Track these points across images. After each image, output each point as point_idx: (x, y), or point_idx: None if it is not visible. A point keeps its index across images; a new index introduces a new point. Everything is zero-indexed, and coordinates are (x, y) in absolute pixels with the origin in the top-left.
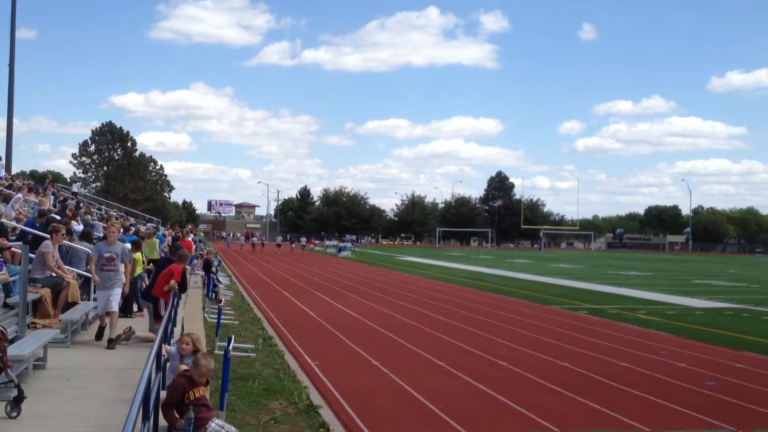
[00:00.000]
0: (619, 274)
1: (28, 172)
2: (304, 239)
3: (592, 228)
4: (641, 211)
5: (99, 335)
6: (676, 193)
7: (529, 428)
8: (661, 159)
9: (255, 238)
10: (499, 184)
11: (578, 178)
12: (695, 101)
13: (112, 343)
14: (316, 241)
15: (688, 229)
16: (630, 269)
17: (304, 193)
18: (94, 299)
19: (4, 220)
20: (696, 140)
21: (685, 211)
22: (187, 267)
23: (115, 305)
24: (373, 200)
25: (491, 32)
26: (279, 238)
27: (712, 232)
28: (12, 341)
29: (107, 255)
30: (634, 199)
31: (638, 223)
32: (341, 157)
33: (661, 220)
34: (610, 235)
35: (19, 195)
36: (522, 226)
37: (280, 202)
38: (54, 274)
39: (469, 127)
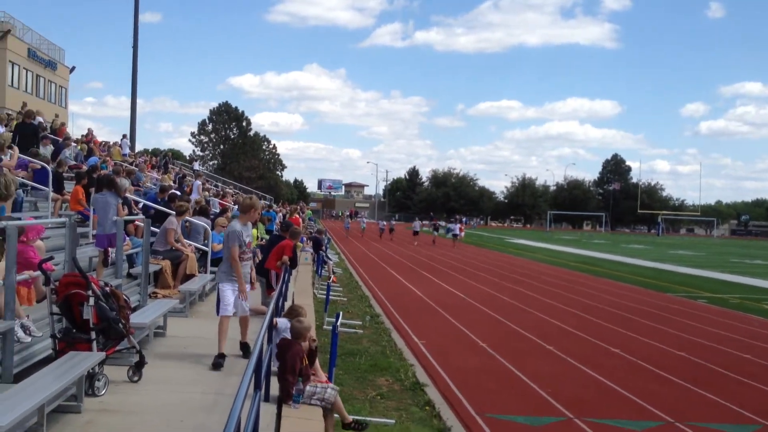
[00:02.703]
0: (742, 263)
1: (150, 150)
2: (457, 227)
3: (714, 214)
4: None
5: (218, 360)
6: None
7: (640, 417)
8: None
9: (383, 222)
10: (615, 167)
11: (701, 162)
12: None
13: (247, 351)
14: (464, 229)
15: None
16: (755, 258)
17: (413, 173)
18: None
19: (128, 194)
20: None
21: None
22: (299, 244)
23: (247, 307)
24: (483, 182)
25: (612, 11)
26: (417, 224)
27: None
28: (134, 309)
29: (248, 240)
30: (762, 184)
31: (765, 210)
32: (451, 138)
33: None
34: (734, 221)
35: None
36: (638, 211)
37: (388, 183)
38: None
39: (585, 108)
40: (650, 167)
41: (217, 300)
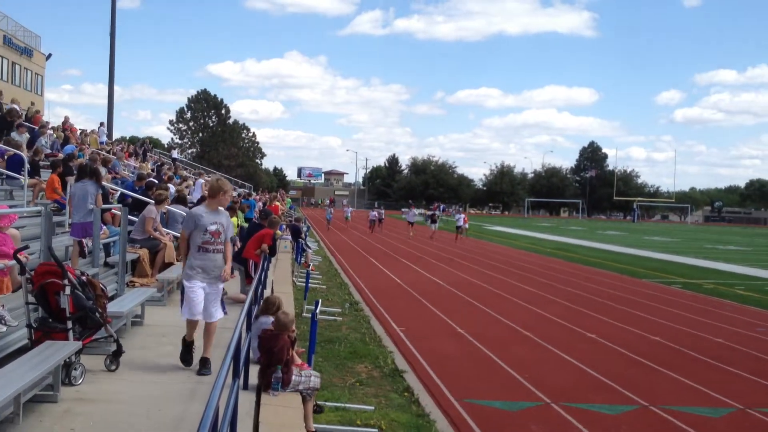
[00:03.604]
0: (716, 249)
1: (128, 138)
2: (461, 217)
3: (688, 201)
4: (742, 184)
5: (186, 355)
6: None
7: (616, 401)
8: (765, 130)
9: (374, 213)
10: (592, 155)
11: (676, 149)
12: None
13: (205, 366)
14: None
15: None
16: (728, 243)
17: (393, 161)
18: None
19: (104, 182)
20: None
21: None
22: (278, 232)
23: (218, 312)
24: (462, 170)
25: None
26: (412, 213)
27: None
28: (111, 298)
29: (213, 228)
30: (735, 171)
31: (738, 197)
32: (431, 126)
33: (763, 194)
34: (708, 208)
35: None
36: (614, 198)
37: (368, 170)
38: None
39: (562, 96)
40: (626, 154)
41: (180, 298)
